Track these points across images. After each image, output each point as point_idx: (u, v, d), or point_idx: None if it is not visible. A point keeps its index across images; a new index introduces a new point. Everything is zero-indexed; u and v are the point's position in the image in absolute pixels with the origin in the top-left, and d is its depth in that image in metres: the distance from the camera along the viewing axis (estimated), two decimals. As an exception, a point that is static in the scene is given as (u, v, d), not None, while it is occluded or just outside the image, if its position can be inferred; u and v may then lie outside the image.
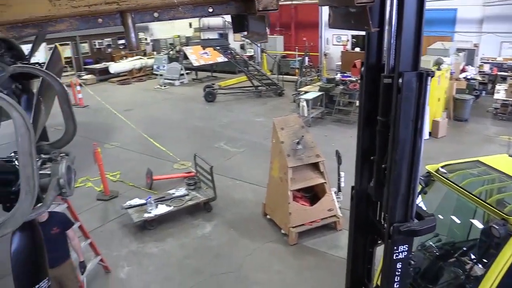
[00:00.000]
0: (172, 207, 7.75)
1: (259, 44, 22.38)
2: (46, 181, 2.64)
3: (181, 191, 8.25)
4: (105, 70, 23.46)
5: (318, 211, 7.11)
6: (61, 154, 2.82)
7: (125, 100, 18.19)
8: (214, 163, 8.45)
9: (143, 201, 7.83)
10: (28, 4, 2.50)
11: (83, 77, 22.98)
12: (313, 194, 7.40)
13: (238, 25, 2.72)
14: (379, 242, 3.36)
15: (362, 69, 3.01)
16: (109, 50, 28.12)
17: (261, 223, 7.62)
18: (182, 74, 21.46)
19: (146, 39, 30.82)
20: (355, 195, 3.37)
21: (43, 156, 2.80)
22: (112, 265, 6.53)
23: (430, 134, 11.68)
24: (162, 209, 7.68)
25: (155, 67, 23.81)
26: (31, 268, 3.01)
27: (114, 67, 23.36)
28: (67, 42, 26.05)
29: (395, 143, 2.69)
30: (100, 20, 2.57)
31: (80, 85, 18.26)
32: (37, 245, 3.04)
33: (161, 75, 22.34)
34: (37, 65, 7.15)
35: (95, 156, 8.64)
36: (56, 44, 5.46)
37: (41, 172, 2.63)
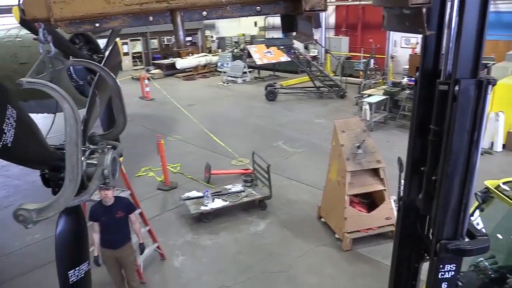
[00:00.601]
0: (228, 202, 7.91)
1: (323, 45, 22.14)
2: (92, 170, 2.83)
3: (238, 187, 8.38)
4: (172, 66, 24.42)
5: (375, 219, 6.88)
6: (107, 146, 2.99)
7: (189, 95, 18.77)
8: (272, 161, 8.48)
9: (200, 194, 8.06)
10: (85, 2, 2.62)
11: (151, 72, 24.11)
12: (371, 201, 7.18)
13: (287, 25, 2.66)
14: (426, 258, 3.16)
15: (417, 74, 2.87)
16: (177, 46, 29.16)
17: (315, 225, 7.54)
18: (245, 72, 21.77)
19: (212, 36, 31.65)
20: (402, 206, 3.20)
21: (91, 146, 3.00)
22: (167, 253, 6.79)
23: (503, 146, 10.85)
24: (218, 203, 7.85)
25: (219, 64, 24.38)
26: (73, 250, 3.17)
27: (181, 63, 24.23)
28: (138, 38, 27.44)
29: (448, 155, 2.53)
30: (151, 18, 2.67)
31: (148, 79, 19.12)
32: (81, 229, 3.21)
33: (224, 72, 22.83)
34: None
35: (158, 148, 9.02)
36: (116, 40, 5.77)
37: (88, 161, 2.84)
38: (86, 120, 3.40)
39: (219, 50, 28.61)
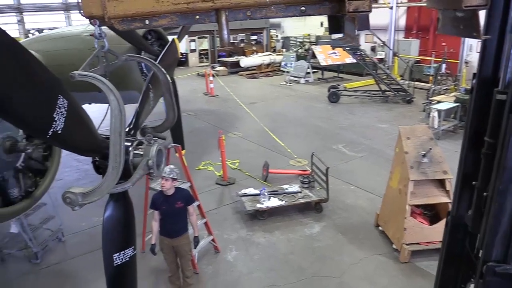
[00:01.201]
0: (284, 202, 7.91)
1: (391, 47, 21.35)
2: (138, 160, 2.98)
3: (294, 187, 8.35)
4: (236, 64, 24.83)
5: (437, 232, 6.51)
6: (154, 138, 3.14)
7: (251, 93, 19.00)
8: (330, 164, 8.35)
9: (257, 192, 8.14)
10: (136, 1, 2.74)
11: (216, 69, 24.70)
12: (434, 213, 6.82)
13: (334, 27, 2.62)
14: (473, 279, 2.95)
15: (474, 81, 2.66)
16: (242, 44, 29.65)
17: (372, 233, 7.31)
18: (308, 73, 21.60)
19: (277, 36, 31.75)
20: (450, 221, 3.00)
21: (139, 138, 3.15)
22: (221, 247, 6.94)
23: None
24: (274, 202, 7.88)
25: (283, 64, 24.40)
26: (119, 235, 3.32)
27: (245, 61, 24.57)
28: (205, 36, 28.21)
29: (501, 170, 2.33)
30: (197, 17, 2.76)
31: (213, 75, 19.59)
32: (128, 216, 3.37)
33: (287, 72, 22.81)
34: (184, 54, 7.75)
35: (219, 143, 9.23)
36: (174, 37, 5.92)
37: (135, 152, 2.99)
38: (138, 113, 3.65)
39: (284, 50, 28.62)
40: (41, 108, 2.18)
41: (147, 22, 2.83)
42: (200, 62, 28.44)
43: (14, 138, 3.53)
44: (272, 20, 29.20)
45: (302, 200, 7.99)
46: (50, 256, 6.94)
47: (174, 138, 8.34)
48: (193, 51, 27.96)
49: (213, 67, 24.86)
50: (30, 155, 3.94)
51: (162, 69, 3.67)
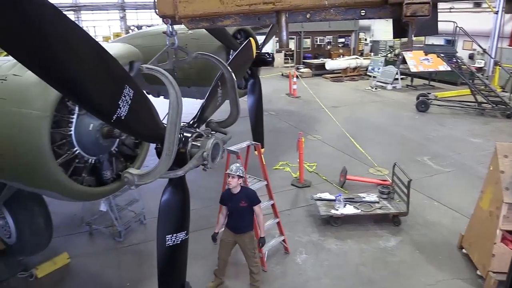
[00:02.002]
0: (359, 211, 7.65)
1: (493, 55, 19.57)
2: (194, 151, 3.14)
3: (372, 197, 8.03)
4: (321, 66, 24.56)
5: (532, 263, 5.83)
6: (212, 132, 3.33)
7: (334, 97, 18.67)
8: (413, 176, 7.89)
9: (332, 197, 7.97)
10: (203, 2, 2.88)
11: (300, 70, 24.63)
12: (529, 241, 6.11)
13: (399, 30, 2.49)
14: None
15: None
16: (329, 47, 29.24)
17: (454, 255, 6.76)
18: (396, 79, 20.63)
19: (365, 39, 30.79)
20: None
21: (198, 130, 3.31)
22: (291, 248, 6.90)
23: None
24: (350, 209, 7.65)
25: (369, 68, 23.61)
26: (173, 218, 3.51)
27: (330, 64, 24.21)
28: (292, 37, 28.27)
29: None
30: (258, 18, 2.88)
31: (297, 77, 19.58)
32: (183, 202, 3.56)
33: (374, 77, 22.03)
34: (267, 55, 7.92)
35: (298, 145, 9.20)
36: (251, 38, 5.95)
37: (193, 143, 3.16)
38: (203, 107, 3.83)
39: (372, 54, 27.68)
40: (108, 95, 2.43)
41: (213, 22, 3.02)
42: (285, 62, 28.59)
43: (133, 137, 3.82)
44: (361, 23, 28.38)
45: (379, 211, 7.66)
46: (131, 236, 7.47)
47: (254, 136, 8.48)
48: (279, 51, 28.19)
49: (297, 68, 24.84)
50: (124, 141, 4.27)
51: (228, 67, 3.83)
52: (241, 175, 5.45)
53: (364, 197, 8.05)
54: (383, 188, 8.20)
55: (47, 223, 6.16)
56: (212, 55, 4.00)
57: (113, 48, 8.08)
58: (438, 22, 3.03)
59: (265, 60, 8.65)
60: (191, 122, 3.70)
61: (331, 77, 23.68)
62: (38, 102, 3.50)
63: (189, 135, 3.28)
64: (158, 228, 3.54)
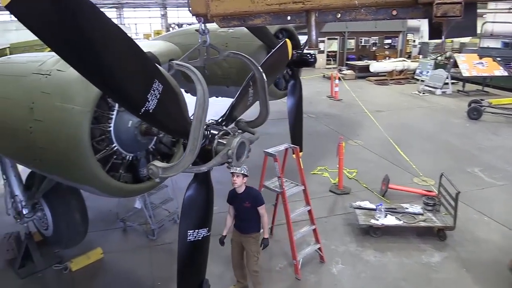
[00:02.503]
0: (401, 222, 7.42)
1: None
2: (220, 148, 3.30)
3: (416, 208, 7.78)
4: (365, 68, 24.14)
5: None
6: (238, 131, 3.44)
7: (378, 101, 18.32)
8: (462, 189, 7.57)
9: (373, 206, 7.80)
10: (235, 1, 3.00)
11: (343, 72, 24.35)
12: None
13: (435, 31, 2.44)
14: None
15: None
16: (374, 48, 28.71)
17: (505, 276, 6.40)
18: (446, 83, 19.92)
19: (414, 40, 29.98)
20: None
21: (225, 128, 3.42)
22: (327, 257, 6.81)
23: None
24: (391, 220, 7.45)
25: (417, 71, 22.96)
26: (196, 214, 3.63)
27: (375, 66, 23.75)
28: (336, 37, 27.97)
29: None
30: (288, 17, 2.95)
31: (339, 79, 19.37)
32: (207, 199, 3.67)
33: (422, 81, 21.39)
34: (309, 55, 7.92)
35: (338, 150, 9.07)
36: (286, 39, 5.94)
37: (220, 140, 3.34)
38: (233, 106, 3.94)
39: (420, 56, 26.90)
40: (137, 88, 2.59)
41: (243, 21, 3.14)
42: (327, 64, 28.35)
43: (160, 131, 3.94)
44: (410, 23, 27.67)
45: (423, 224, 7.40)
46: (164, 235, 7.62)
47: (293, 139, 8.45)
48: (321, 52, 27.97)
49: (340, 70, 24.58)
50: (161, 139, 4.37)
51: (259, 67, 3.92)
52: (246, 173, 5.46)
53: (407, 208, 7.81)
54: (428, 199, 7.92)
55: (83, 217, 6.42)
56: (243, 54, 4.09)
57: (154, 46, 8.35)
58: (495, 24, 2.92)
59: (307, 61, 8.59)
60: (219, 120, 3.81)
61: (376, 80, 23.24)
62: (80, 97, 3.65)
63: (215, 132, 3.41)
64: (181, 223, 3.70)
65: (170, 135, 3.58)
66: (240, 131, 3.76)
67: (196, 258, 3.80)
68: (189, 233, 3.58)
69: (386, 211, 7.62)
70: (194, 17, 3.50)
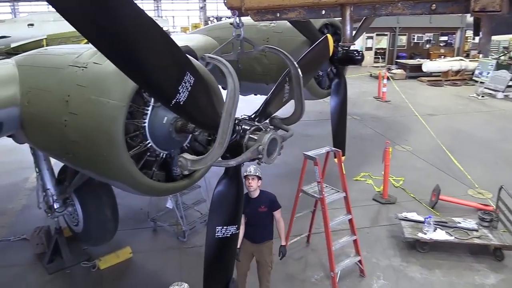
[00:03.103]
0: (453, 237, 7.17)
1: None
2: (251, 144, 3.43)
3: (470, 223, 7.49)
4: (417, 67, 23.59)
5: None
6: (270, 127, 3.62)
7: (430, 103, 17.88)
8: (524, 204, 7.24)
9: (420, 218, 7.59)
10: None
11: (392, 71, 23.87)
12: None
13: (477, 28, 2.43)
14: None
15: None
16: (428, 46, 27.96)
17: None
18: (510, 86, 19.09)
19: (473, 38, 28.91)
20: None
21: (257, 124, 3.61)
22: (368, 271, 6.69)
23: None
24: (440, 235, 7.22)
25: (476, 72, 22.17)
26: (225, 211, 3.73)
27: (428, 65, 23.14)
28: (385, 33, 27.46)
29: None
30: (323, 11, 3.04)
31: (388, 78, 19.00)
32: (237, 196, 3.77)
33: (481, 82, 20.64)
34: (356, 52, 7.88)
35: (384, 155, 8.91)
36: (328, 34, 5.93)
37: (251, 135, 3.47)
38: (267, 102, 4.05)
39: (480, 56, 25.89)
40: (168, 80, 2.73)
41: (278, 14, 3.27)
42: (375, 62, 27.92)
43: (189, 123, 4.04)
44: (470, 19, 26.69)
45: (477, 241, 7.12)
46: (195, 237, 7.73)
47: (335, 142, 8.37)
48: (368, 49, 27.56)
49: (389, 69, 24.13)
50: (196, 137, 4.44)
51: (294, 63, 3.99)
52: (260, 176, 5.46)
53: (459, 223, 7.54)
54: (484, 214, 7.61)
55: (114, 214, 6.64)
56: (279, 48, 4.14)
57: (192, 40, 8.52)
58: None
59: (353, 58, 8.47)
60: (252, 116, 3.91)
61: (428, 81, 22.67)
62: (116, 91, 3.76)
63: (247, 127, 3.53)
64: (209, 219, 3.80)
65: (200, 128, 3.71)
66: (272, 127, 3.85)
67: (224, 255, 3.88)
68: (217, 229, 3.68)
69: (435, 224, 7.40)
70: (230, 11, 3.66)
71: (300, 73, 4.03)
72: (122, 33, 2.34)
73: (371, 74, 23.76)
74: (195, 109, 3.06)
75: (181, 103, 2.80)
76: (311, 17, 3.20)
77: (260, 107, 4.04)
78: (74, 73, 4.10)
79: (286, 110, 4.25)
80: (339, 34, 8.48)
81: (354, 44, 6.88)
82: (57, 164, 6.10)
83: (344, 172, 6.70)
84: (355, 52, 8.46)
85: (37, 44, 22.08)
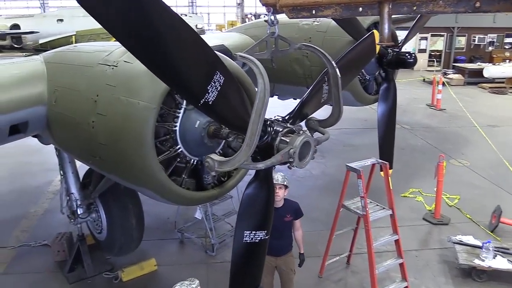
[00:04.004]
0: (515, 266, 6.93)
1: None
2: (282, 146, 3.53)
3: (535, 251, 7.21)
4: (478, 72, 23.02)
5: None
6: (303, 129, 3.68)
7: (492, 113, 17.46)
8: None
9: (478, 243, 7.36)
10: None
11: (448, 76, 23.38)
12: None
13: None
14: None
15: None
16: (490, 48, 27.21)
17: None
18: None
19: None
20: None
21: (290, 126, 3.72)
22: (416, 300, 6.55)
23: None
24: (501, 263, 6.96)
25: (546, 79, 21.35)
26: (255, 215, 3.81)
27: (491, 70, 22.52)
28: (442, 34, 26.93)
29: None
30: (360, 9, 3.13)
31: (443, 84, 18.64)
32: (267, 200, 3.89)
33: (552, 91, 19.88)
34: (407, 55, 7.81)
35: (437, 170, 8.73)
36: (374, 30, 5.84)
37: (282, 138, 3.59)
38: (302, 103, 4.15)
39: (551, 61, 24.98)
40: (197, 79, 2.92)
41: (313, 11, 3.39)
42: (429, 65, 27.39)
43: (219, 124, 4.10)
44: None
45: (544, 271, 6.84)
46: (225, 252, 7.76)
47: (382, 153, 8.25)
48: (422, 51, 27.08)
49: (445, 74, 23.66)
50: (230, 143, 4.47)
51: (332, 62, 4.07)
52: (288, 185, 5.59)
53: (523, 250, 7.28)
54: (554, 241, 7.32)
55: (139, 223, 6.77)
56: (316, 47, 4.19)
57: (227, 38, 8.64)
58: None
59: (405, 61, 8.35)
60: (286, 117, 4.02)
61: (490, 88, 22.07)
62: (147, 92, 3.86)
63: (280, 129, 3.64)
64: (237, 223, 3.89)
65: (230, 128, 3.82)
66: (307, 129, 3.95)
67: (252, 261, 3.95)
68: (245, 234, 3.75)
69: (495, 250, 7.16)
70: (265, 7, 3.83)
71: (338, 72, 4.10)
72: (151, 31, 2.51)
73: (424, 79, 23.38)
74: (224, 109, 3.22)
75: (210, 102, 2.97)
76: (347, 15, 3.31)
77: (295, 108, 4.13)
78: (103, 72, 4.24)
79: (324, 112, 4.30)
80: (391, 34, 8.39)
81: (392, 43, 6.79)
82: (82, 167, 6.30)
83: (391, 187, 6.59)
84: (407, 54, 8.33)
85: (66, 41, 23.03)
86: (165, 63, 2.69)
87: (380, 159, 7.07)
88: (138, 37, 2.54)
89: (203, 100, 2.93)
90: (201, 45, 2.90)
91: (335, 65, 4.09)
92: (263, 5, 3.78)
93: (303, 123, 4.23)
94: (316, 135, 4.08)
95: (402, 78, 20.42)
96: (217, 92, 2.97)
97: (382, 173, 6.74)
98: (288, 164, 3.53)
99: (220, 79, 2.98)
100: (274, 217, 5.52)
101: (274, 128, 3.64)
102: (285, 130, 3.63)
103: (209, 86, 2.93)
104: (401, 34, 8.70)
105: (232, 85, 3.23)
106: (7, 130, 4.72)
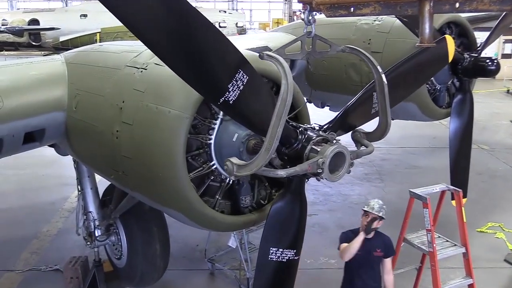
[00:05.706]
0: None
1: None
2: (312, 155, 3.69)
3: None
4: None
5: None
6: (337, 139, 3.84)
7: None
8: None
9: None
10: None
11: (540, 87, 22.68)
12: None
13: None
14: None
15: None
16: None
17: None
18: None
19: None
20: None
21: (323, 134, 3.88)
22: None
23: None
24: None
25: None
26: (283, 230, 3.94)
27: None
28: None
29: None
30: (399, 7, 3.35)
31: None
32: (299, 215, 4.00)
33: None
34: (488, 61, 7.67)
35: (522, 201, 8.48)
36: (447, 35, 5.71)
37: (313, 147, 3.74)
38: (345, 111, 4.38)
39: None
40: (217, 76, 3.17)
41: (352, 9, 3.65)
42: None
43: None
44: None
45: None
46: None
47: (454, 178, 8.07)
48: (506, 56, 26.41)
49: (534, 84, 22.94)
50: (272, 161, 4.49)
51: (378, 67, 4.13)
52: (384, 216, 5.51)
53: None
54: None
55: (164, 250, 6.82)
56: (360, 49, 4.24)
57: (273, 39, 8.73)
58: None
59: (484, 68, 8.17)
60: (325, 126, 4.17)
61: None
62: (179, 99, 3.92)
63: (313, 135, 3.83)
64: (263, 237, 3.95)
65: (254, 131, 3.94)
66: (339, 139, 4.01)
67: (277, 282, 3.98)
68: (271, 251, 3.85)
69: None
70: (302, 5, 4.12)
71: (384, 79, 4.15)
72: (171, 25, 2.86)
73: (508, 90, 22.83)
74: (246, 110, 3.44)
75: (231, 102, 3.22)
76: (387, 13, 3.56)
77: (337, 116, 4.30)
78: (131, 75, 4.34)
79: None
80: (466, 36, 8.27)
81: (434, 44, 6.63)
82: (102, 183, 6.44)
83: (464, 220, 6.47)
84: (487, 60, 8.16)
85: (89, 38, 23.77)
86: (183, 58, 2.99)
87: (451, 185, 6.95)
88: (158, 32, 2.86)
89: (223, 99, 3.17)
90: (221, 41, 3.15)
91: (380, 70, 4.14)
92: (299, 2, 4.04)
93: (348, 135, 4.39)
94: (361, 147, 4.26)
95: (481, 89, 19.97)
96: (239, 91, 3.20)
97: (453, 202, 6.62)
98: (317, 176, 3.67)
99: (244, 78, 3.21)
100: (363, 251, 5.53)
101: (307, 135, 3.82)
102: (317, 138, 3.79)
103: (230, 85, 3.16)
104: (480, 36, 8.53)
105: (257, 85, 3.47)
106: (21, 138, 4.85)
